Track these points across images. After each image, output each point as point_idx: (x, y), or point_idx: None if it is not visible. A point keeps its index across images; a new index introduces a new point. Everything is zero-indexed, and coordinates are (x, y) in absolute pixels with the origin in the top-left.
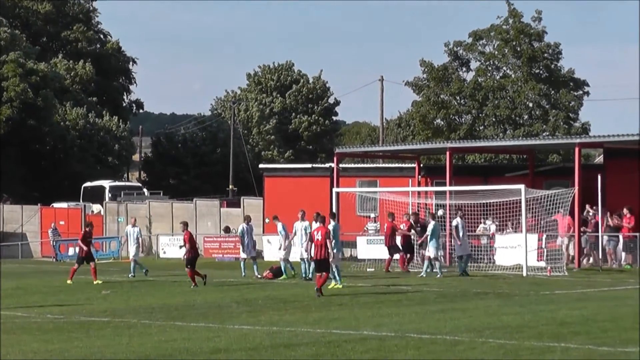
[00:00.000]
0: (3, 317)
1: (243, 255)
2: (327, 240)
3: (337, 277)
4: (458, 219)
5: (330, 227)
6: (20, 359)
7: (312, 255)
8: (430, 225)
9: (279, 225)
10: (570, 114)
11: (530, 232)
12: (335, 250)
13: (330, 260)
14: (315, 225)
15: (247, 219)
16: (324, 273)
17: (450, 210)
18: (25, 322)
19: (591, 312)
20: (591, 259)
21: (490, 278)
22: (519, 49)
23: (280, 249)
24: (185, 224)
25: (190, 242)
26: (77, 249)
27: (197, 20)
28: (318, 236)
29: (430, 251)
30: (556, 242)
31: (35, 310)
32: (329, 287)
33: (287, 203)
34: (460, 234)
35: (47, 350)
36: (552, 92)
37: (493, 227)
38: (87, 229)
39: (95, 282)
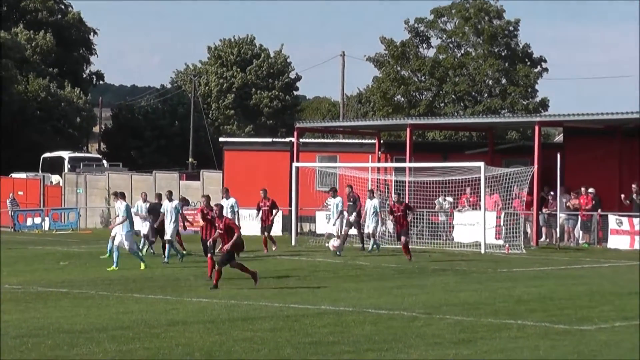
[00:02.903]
0: None
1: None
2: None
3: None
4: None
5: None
6: None
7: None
8: (374, 202)
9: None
10: (528, 90)
11: (489, 210)
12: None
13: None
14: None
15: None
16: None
17: (409, 187)
18: None
19: (548, 290)
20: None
21: (448, 255)
22: (479, 26)
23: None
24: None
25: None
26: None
27: None
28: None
29: (370, 227)
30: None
31: None
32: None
33: (246, 177)
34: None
35: (4, 320)
36: (511, 69)
37: (447, 205)
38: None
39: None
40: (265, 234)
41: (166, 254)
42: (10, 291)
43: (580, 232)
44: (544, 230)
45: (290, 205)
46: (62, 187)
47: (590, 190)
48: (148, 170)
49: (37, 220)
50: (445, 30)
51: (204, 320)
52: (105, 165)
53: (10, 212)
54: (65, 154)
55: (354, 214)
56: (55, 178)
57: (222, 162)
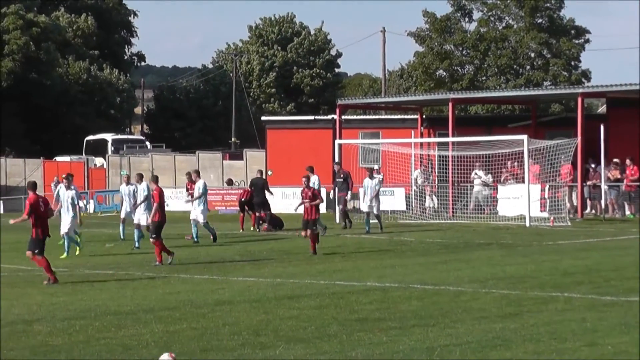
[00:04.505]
0: (6, 271)
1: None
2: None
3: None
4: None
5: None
6: (24, 312)
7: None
8: (374, 182)
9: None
10: (571, 62)
11: (534, 183)
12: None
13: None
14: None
15: (127, 179)
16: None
17: (452, 161)
18: (29, 276)
19: (594, 262)
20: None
21: (493, 229)
22: None
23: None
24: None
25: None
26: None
27: None
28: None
29: (374, 208)
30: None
31: None
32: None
33: (289, 155)
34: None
35: (51, 303)
36: (554, 41)
37: (484, 178)
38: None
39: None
40: None
41: (136, 239)
42: (57, 274)
43: (625, 203)
44: (588, 202)
45: (334, 183)
46: (106, 170)
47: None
48: (191, 151)
49: (82, 203)
50: (486, 3)
51: (250, 299)
52: (149, 146)
53: (55, 195)
54: (109, 136)
55: (349, 192)
56: (99, 160)
57: (264, 141)
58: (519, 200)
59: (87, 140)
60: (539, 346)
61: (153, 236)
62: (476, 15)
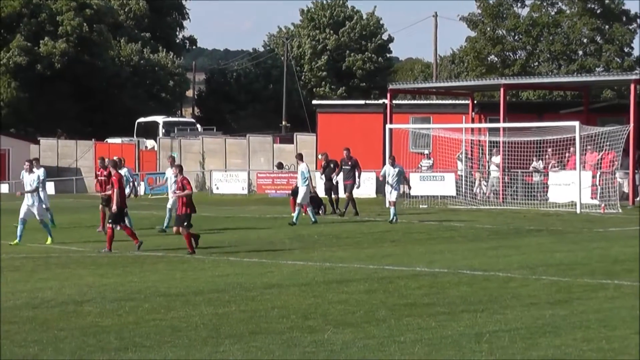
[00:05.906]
0: (58, 252)
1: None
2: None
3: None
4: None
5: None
6: (75, 293)
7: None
8: (397, 169)
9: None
10: (624, 48)
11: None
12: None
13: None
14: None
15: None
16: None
17: (503, 147)
18: (80, 257)
19: None
20: None
21: (543, 215)
22: None
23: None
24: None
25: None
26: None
27: None
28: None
29: (393, 195)
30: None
31: (90, 245)
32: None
33: (340, 139)
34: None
35: (102, 284)
36: (606, 27)
37: (541, 166)
38: None
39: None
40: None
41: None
42: (107, 255)
43: None
44: None
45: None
46: (157, 152)
47: None
48: (242, 134)
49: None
50: None
51: (299, 283)
52: (199, 129)
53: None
54: (160, 119)
55: (336, 176)
56: (150, 143)
57: (315, 125)
58: (570, 187)
59: (138, 123)
60: (589, 333)
61: (110, 220)
62: (528, 0)
